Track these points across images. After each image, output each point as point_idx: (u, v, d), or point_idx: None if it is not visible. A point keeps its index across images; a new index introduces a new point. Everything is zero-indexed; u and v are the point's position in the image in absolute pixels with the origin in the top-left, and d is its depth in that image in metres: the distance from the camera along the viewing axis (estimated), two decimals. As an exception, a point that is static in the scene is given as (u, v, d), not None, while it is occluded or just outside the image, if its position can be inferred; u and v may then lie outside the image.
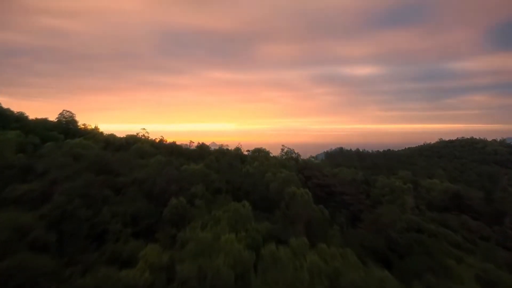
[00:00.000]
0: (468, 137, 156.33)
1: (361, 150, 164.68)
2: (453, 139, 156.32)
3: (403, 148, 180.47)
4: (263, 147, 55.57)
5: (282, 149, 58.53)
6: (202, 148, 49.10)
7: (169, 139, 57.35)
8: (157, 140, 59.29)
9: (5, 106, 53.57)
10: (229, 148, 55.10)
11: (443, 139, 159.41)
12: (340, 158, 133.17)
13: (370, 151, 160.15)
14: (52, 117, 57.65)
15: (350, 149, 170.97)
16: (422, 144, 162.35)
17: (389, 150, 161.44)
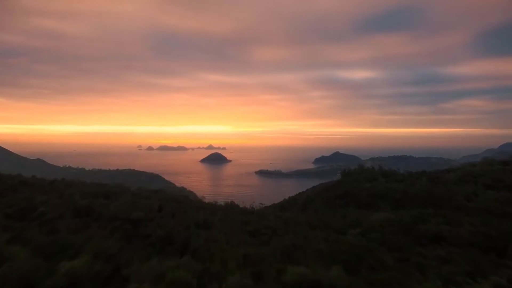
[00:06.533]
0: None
1: (384, 168, 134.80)
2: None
3: (429, 165, 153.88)
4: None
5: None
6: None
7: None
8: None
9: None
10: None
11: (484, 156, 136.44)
12: (363, 179, 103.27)
13: (396, 170, 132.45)
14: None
15: (373, 167, 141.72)
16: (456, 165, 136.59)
17: (424, 171, 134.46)
